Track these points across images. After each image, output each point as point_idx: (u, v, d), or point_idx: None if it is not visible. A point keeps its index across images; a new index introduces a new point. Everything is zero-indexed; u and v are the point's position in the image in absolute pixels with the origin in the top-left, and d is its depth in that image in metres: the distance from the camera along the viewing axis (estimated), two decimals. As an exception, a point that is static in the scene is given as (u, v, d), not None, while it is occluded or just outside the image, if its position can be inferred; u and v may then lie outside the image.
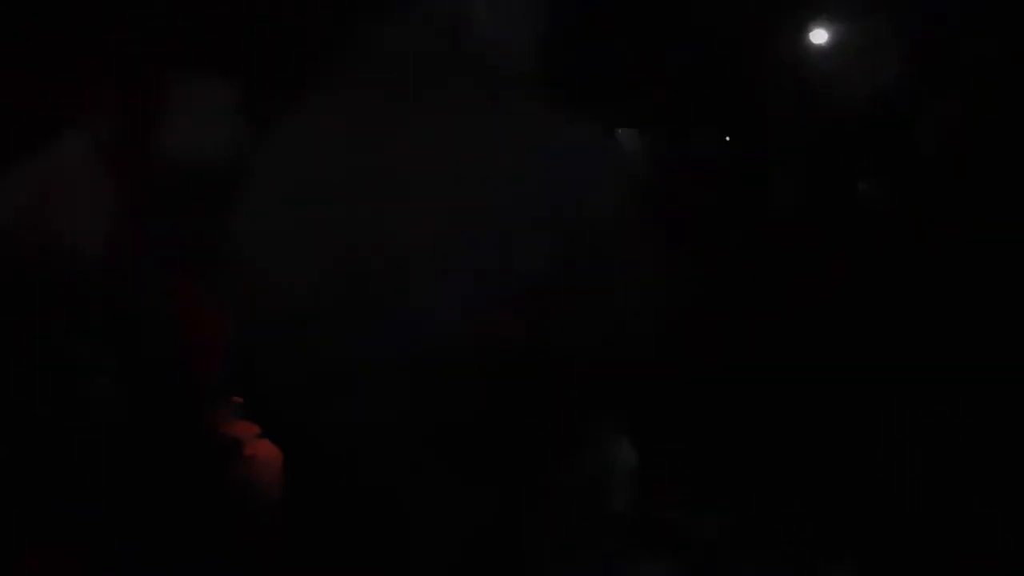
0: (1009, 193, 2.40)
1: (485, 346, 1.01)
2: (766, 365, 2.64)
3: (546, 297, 1.01)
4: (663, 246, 1.12)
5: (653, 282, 1.10)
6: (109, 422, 1.84)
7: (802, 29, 4.35)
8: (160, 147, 1.97)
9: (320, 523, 1.15)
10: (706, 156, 3.25)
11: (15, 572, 1.79)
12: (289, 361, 1.10)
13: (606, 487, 1.23)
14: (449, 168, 1.03)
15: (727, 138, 3.64)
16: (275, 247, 1.10)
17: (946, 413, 2.20)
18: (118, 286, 1.87)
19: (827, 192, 3.15)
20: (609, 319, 1.06)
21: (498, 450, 1.06)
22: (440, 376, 1.02)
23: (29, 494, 1.81)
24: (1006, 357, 2.21)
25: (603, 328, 1.06)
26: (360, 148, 1.07)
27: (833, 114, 3.66)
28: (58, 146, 1.97)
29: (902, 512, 2.19)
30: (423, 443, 1.05)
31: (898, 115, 3.12)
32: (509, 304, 1.01)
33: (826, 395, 2.49)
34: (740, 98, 4.01)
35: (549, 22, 1.20)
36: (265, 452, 1.79)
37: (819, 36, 4.38)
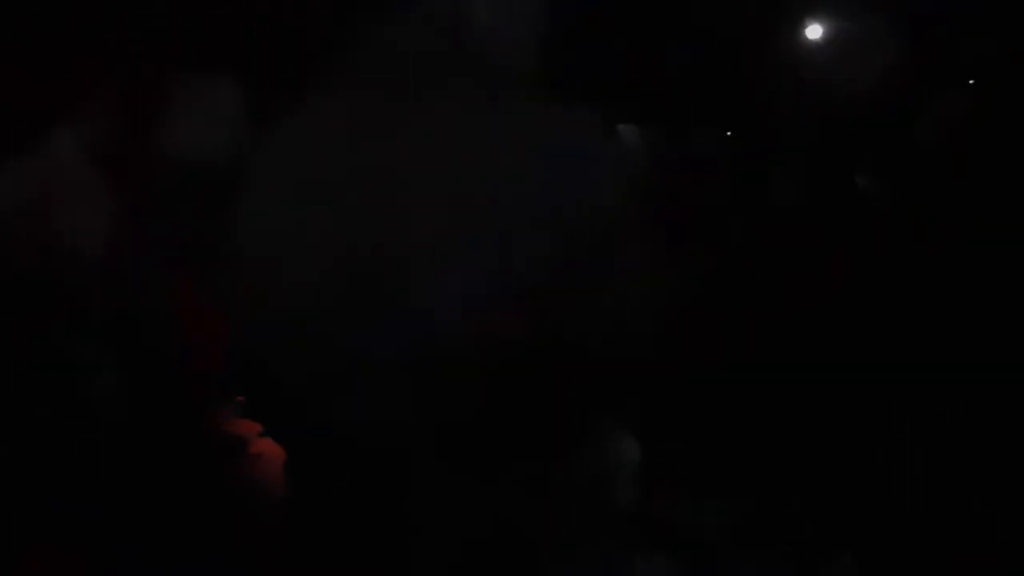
0: (1010, 193, 2.39)
1: (485, 345, 1.01)
2: (766, 364, 2.64)
3: (546, 296, 1.01)
4: (663, 245, 1.12)
5: (653, 281, 1.10)
6: (109, 422, 1.85)
7: (802, 28, 4.35)
8: (160, 147, 1.98)
9: (321, 522, 1.15)
10: (706, 155, 3.24)
11: (15, 572, 1.79)
12: (290, 361, 1.10)
13: (606, 486, 1.23)
14: (449, 168, 1.03)
15: (728, 134, 3.64)
16: (275, 247, 1.10)
17: (946, 413, 2.20)
18: (118, 286, 1.87)
19: (827, 191, 3.15)
20: (609, 318, 1.06)
21: (499, 449, 1.06)
22: (440, 375, 1.02)
23: (29, 494, 1.81)
24: (1006, 357, 2.21)
25: (603, 327, 1.06)
26: (360, 148, 1.07)
27: (833, 113, 3.66)
28: (58, 146, 1.97)
29: (902, 512, 2.19)
30: (424, 442, 1.05)
31: (898, 114, 3.12)
32: (509, 303, 1.01)
33: (826, 395, 2.49)
34: (740, 97, 4.01)
35: (549, 22, 1.20)
36: (268, 451, 1.79)
37: (819, 36, 4.38)
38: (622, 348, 1.09)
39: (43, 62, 2.10)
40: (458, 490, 1.06)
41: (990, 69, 2.87)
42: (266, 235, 1.11)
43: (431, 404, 1.03)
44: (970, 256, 2.36)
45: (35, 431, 1.83)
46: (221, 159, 1.86)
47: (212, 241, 1.21)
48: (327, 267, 1.05)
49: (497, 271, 1.01)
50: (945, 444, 2.18)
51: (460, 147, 1.04)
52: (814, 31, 4.37)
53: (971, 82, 2.89)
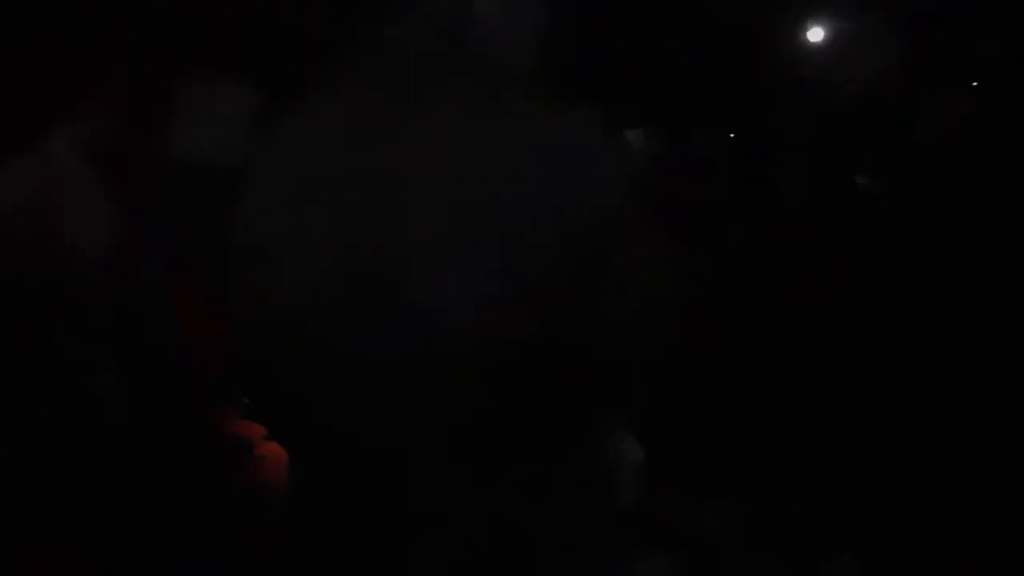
0: (1010, 193, 2.39)
1: (486, 345, 1.01)
2: (766, 364, 2.64)
3: (547, 296, 1.01)
4: (664, 245, 1.12)
5: (654, 281, 1.10)
6: (110, 422, 1.85)
7: (802, 29, 4.36)
8: (160, 147, 1.97)
9: (324, 522, 1.15)
10: (707, 155, 3.24)
11: (15, 572, 1.79)
12: (290, 361, 1.10)
13: (606, 486, 1.23)
14: (449, 168, 1.03)
15: (731, 135, 3.64)
16: (275, 247, 1.10)
17: (946, 413, 2.19)
18: (118, 286, 1.87)
19: (828, 191, 3.15)
20: (610, 318, 1.06)
21: (500, 449, 1.06)
22: (441, 375, 1.02)
23: (29, 494, 1.81)
24: (1006, 357, 2.21)
25: (604, 327, 1.06)
26: (360, 148, 1.07)
27: (833, 113, 3.66)
28: (59, 146, 1.97)
29: (902, 512, 2.19)
30: (426, 442, 1.05)
31: (898, 114, 3.12)
32: (510, 303, 1.01)
33: (826, 395, 2.49)
34: (741, 97, 4.01)
35: (549, 22, 1.20)
36: (271, 452, 1.79)
37: (820, 35, 4.38)
38: (623, 348, 1.09)
39: (43, 62, 2.10)
40: (458, 490, 1.06)
41: (990, 69, 2.87)
42: (266, 235, 1.11)
43: (432, 404, 1.03)
44: (970, 256, 2.36)
45: (35, 431, 1.83)
46: (221, 159, 1.86)
47: (212, 241, 1.21)
48: (327, 267, 1.05)
49: (497, 271, 1.00)
50: (945, 444, 2.18)
51: (460, 147, 1.04)
52: (814, 31, 4.38)
53: (972, 82, 2.89)
